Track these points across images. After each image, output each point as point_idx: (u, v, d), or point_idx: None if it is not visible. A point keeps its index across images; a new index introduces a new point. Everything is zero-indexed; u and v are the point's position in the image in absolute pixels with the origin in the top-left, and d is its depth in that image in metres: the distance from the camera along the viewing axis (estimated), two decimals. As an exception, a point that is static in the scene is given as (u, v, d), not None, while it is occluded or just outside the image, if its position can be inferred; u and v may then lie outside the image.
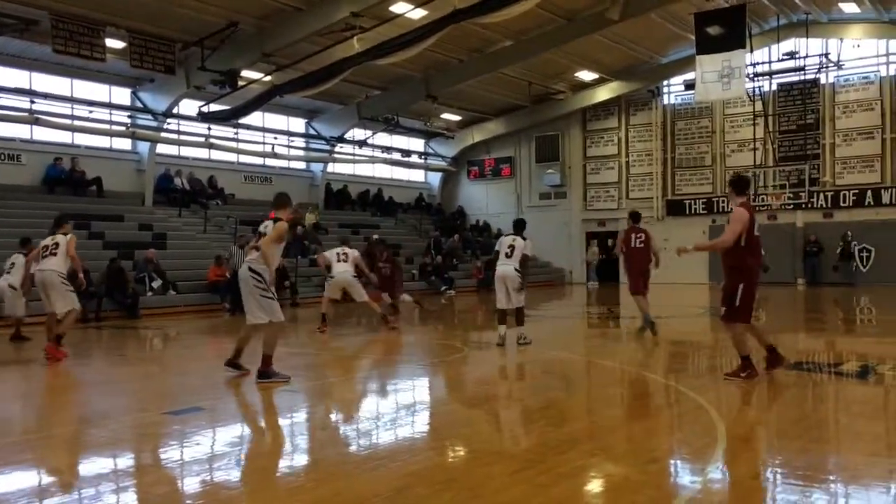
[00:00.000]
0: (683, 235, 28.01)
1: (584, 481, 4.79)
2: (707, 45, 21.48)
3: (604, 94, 28.78)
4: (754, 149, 26.65)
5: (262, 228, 8.40)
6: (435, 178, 33.38)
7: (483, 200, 33.24)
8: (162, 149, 22.94)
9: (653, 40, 25.32)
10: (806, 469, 4.85)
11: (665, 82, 28.90)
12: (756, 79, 25.37)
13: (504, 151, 32.45)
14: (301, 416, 7.07)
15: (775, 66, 25.35)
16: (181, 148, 23.59)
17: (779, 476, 4.84)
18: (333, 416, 7.09)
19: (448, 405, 7.69)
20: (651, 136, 29.35)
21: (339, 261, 13.31)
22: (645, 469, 4.91)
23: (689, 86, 26.39)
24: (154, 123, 22.06)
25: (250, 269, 7.98)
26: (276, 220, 8.16)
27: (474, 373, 9.59)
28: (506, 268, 10.59)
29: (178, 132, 22.89)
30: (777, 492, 4.54)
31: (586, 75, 27.62)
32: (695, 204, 28.52)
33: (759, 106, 26.07)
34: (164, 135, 22.50)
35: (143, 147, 22.27)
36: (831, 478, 4.77)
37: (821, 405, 7.33)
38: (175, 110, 22.23)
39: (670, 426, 6.45)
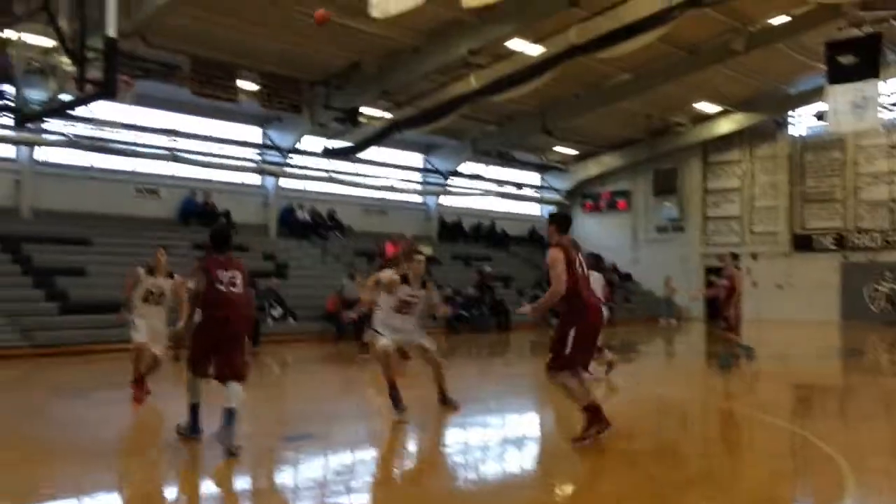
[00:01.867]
0: (811, 272, 26.72)
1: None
2: (839, 75, 20.49)
3: (726, 125, 27.94)
4: (891, 182, 25.16)
5: None
6: (549, 211, 33.26)
7: (598, 233, 32.72)
8: (286, 183, 24.02)
9: (779, 70, 24.42)
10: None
11: (792, 113, 27.77)
12: (893, 109, 24.01)
13: (620, 184, 31.97)
14: (411, 446, 7.18)
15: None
16: (304, 182, 24.63)
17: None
18: (443, 448, 7.16)
19: (558, 444, 7.61)
20: (777, 169, 28.18)
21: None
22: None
23: (820, 116, 25.24)
24: (280, 159, 23.19)
25: None
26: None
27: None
28: None
29: (302, 167, 23.96)
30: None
31: (708, 107, 26.93)
32: (824, 239, 27.08)
33: (895, 137, 24.61)
34: (288, 170, 23.60)
35: (270, 181, 23.42)
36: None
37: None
38: (300, 147, 23.31)
39: (794, 473, 6.14)
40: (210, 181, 22.37)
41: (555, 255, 6.71)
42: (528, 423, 8.57)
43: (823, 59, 20.96)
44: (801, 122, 27.78)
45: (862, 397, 10.46)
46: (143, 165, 20.93)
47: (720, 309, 13.17)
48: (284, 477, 5.83)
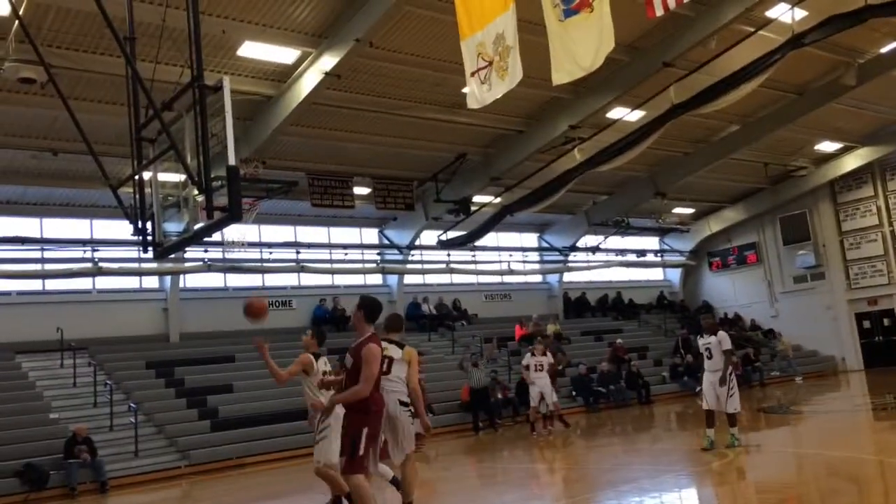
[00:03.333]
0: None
1: None
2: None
3: (852, 162, 26.50)
4: None
5: (388, 354, 7.16)
6: (674, 275, 32.24)
7: (730, 291, 31.34)
8: (408, 279, 24.55)
9: (899, 98, 23.14)
10: None
11: (925, 139, 26.04)
12: None
13: (746, 238, 30.68)
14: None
15: None
16: (425, 276, 25.10)
17: None
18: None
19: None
20: (915, 200, 26.32)
21: (535, 370, 14.58)
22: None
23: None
24: (400, 257, 23.80)
25: (401, 403, 7.20)
26: (401, 344, 7.42)
27: (752, 478, 8.81)
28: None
29: (422, 262, 24.48)
30: None
31: (828, 146, 25.70)
32: (984, 268, 24.77)
33: None
34: (409, 266, 24.15)
35: (392, 279, 24.02)
36: None
37: None
38: (417, 242, 23.88)
39: None
40: (336, 286, 23.17)
41: (374, 352, 6.20)
42: (687, 501, 8.07)
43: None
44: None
45: None
46: (274, 280, 21.99)
47: None
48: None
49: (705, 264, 31.85)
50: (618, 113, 18.91)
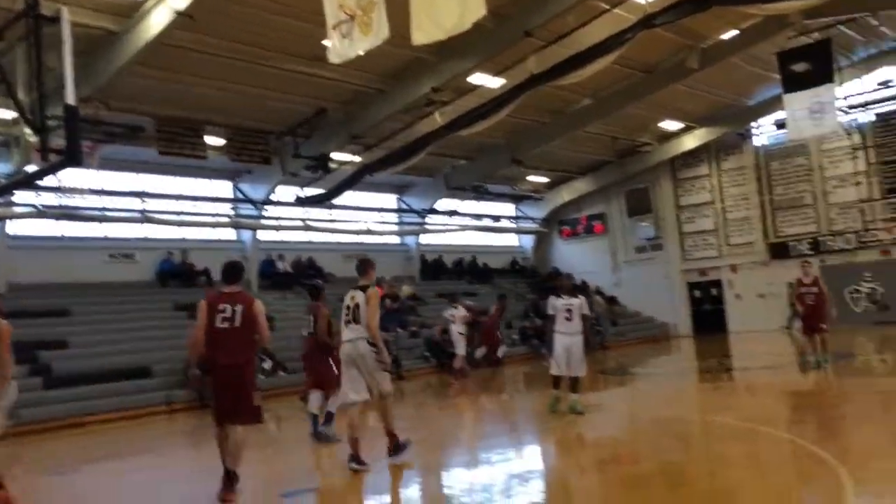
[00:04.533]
0: (790, 278, 26.86)
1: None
2: (794, 83, 20.92)
3: (691, 141, 28.29)
4: (857, 183, 25.52)
5: (348, 301, 7.83)
6: (527, 241, 33.35)
7: (578, 259, 32.81)
8: (263, 235, 23.89)
9: (736, 83, 24.85)
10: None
11: (754, 124, 28.18)
12: (850, 111, 24.49)
13: (595, 208, 32.16)
14: (415, 491, 7.03)
15: (870, 97, 24.47)
16: (281, 233, 24.53)
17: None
18: (447, 490, 7.01)
19: (561, 471, 7.49)
20: (745, 180, 28.49)
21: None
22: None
23: (781, 125, 25.68)
24: (254, 212, 23.09)
25: (369, 343, 7.55)
26: (363, 287, 7.77)
27: (586, 436, 9.33)
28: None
29: (277, 218, 23.87)
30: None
31: (671, 125, 27.29)
32: (799, 244, 27.27)
33: (857, 139, 25.07)
34: (264, 222, 23.49)
35: (246, 235, 23.29)
36: None
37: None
38: (273, 198, 23.24)
39: (794, 484, 6.06)
40: (185, 240, 22.17)
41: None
42: (528, 457, 8.43)
43: (777, 69, 21.42)
44: (764, 132, 28.21)
45: (856, 401, 10.45)
46: (116, 230, 20.74)
47: (813, 318, 13.33)
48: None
49: (556, 232, 33.15)
50: (479, 79, 19.10)
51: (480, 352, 20.73)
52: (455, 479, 7.39)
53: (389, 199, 27.97)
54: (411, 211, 27.82)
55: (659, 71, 22.22)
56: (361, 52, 9.55)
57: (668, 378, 16.22)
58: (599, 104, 23.44)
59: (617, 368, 17.39)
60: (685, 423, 9.65)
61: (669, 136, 28.31)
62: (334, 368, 9.24)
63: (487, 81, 19.13)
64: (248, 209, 23.02)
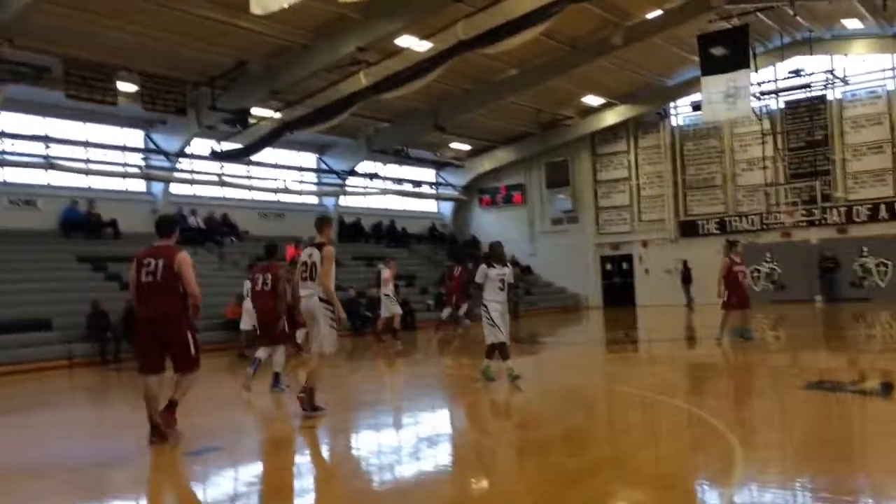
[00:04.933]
0: (697, 257, 28.05)
1: (604, 510, 4.75)
2: (712, 67, 21.58)
3: (611, 118, 28.89)
4: (764, 167, 26.64)
5: (305, 258, 8.04)
6: (447, 208, 33.51)
7: (495, 228, 33.17)
8: (176, 188, 23.19)
9: (658, 63, 25.44)
10: (829, 490, 4.78)
11: (672, 104, 28.97)
12: (763, 97, 25.45)
13: (515, 178, 32.55)
14: (323, 451, 7.05)
15: (781, 85, 25.51)
16: (195, 187, 23.85)
17: (801, 497, 4.77)
18: (354, 452, 7.06)
19: (465, 436, 7.65)
20: (661, 158, 29.36)
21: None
22: (663, 496, 4.86)
23: (697, 107, 26.48)
24: (167, 164, 22.34)
25: (321, 300, 7.82)
26: (320, 245, 7.97)
27: (492, 403, 9.55)
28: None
29: (191, 171, 23.18)
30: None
31: (593, 100, 27.76)
32: (707, 224, 28.39)
33: (766, 124, 26.11)
34: (177, 175, 22.78)
35: (158, 188, 22.55)
36: (857, 498, 4.69)
37: (842, 424, 7.23)
38: (187, 150, 22.52)
39: (688, 451, 6.39)
40: (92, 189, 21.31)
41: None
42: (437, 421, 8.57)
43: (697, 51, 22.02)
44: (681, 112, 29.05)
45: (749, 375, 11.02)
46: (17, 175, 19.74)
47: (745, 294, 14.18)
48: (193, 492, 5.60)
49: (476, 200, 33.41)
50: (406, 41, 18.93)
51: (446, 312, 21.49)
52: (363, 441, 7.45)
53: (309, 159, 27.56)
54: (331, 172, 27.50)
55: (584, 46, 22.51)
56: (286, 6, 9.30)
57: (577, 348, 16.69)
58: (525, 75, 23.60)
59: (528, 337, 17.77)
60: (590, 392, 9.98)
61: (591, 112, 28.82)
62: (286, 326, 10.00)
63: (415, 44, 18.97)
64: (160, 161, 22.27)
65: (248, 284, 13.07)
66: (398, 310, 18.04)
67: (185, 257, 6.87)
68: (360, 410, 9.28)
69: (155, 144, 22.23)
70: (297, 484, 5.88)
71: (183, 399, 7.01)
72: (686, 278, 27.24)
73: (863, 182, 25.83)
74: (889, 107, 25.36)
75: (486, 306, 9.87)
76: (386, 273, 17.79)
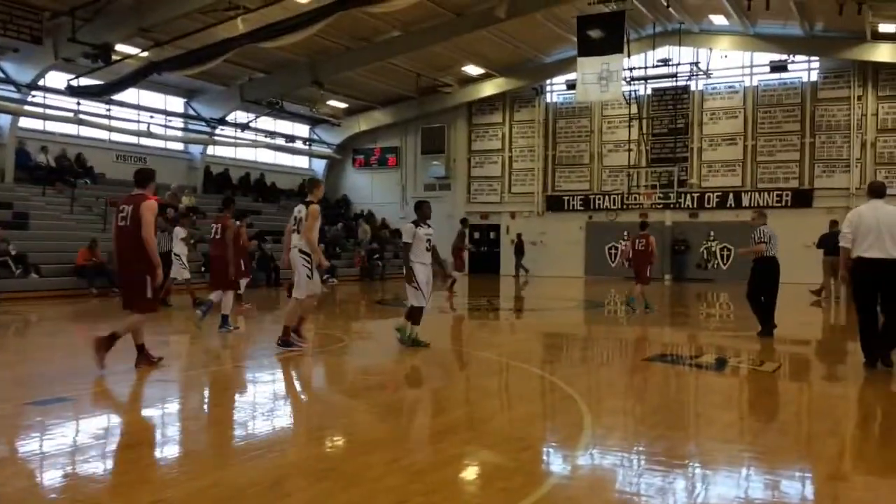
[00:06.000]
0: (561, 231, 29.19)
1: (459, 469, 4.96)
2: (588, 48, 22.29)
3: (489, 89, 29.33)
4: (629, 149, 27.94)
5: (297, 213, 9.41)
6: (319, 166, 33.03)
7: (368, 190, 33.21)
8: (26, 122, 21.58)
9: (538, 40, 26.00)
10: (663, 455, 5.21)
11: (548, 81, 29.74)
12: (632, 83, 26.59)
13: (390, 141, 32.50)
14: (174, 406, 6.91)
15: (650, 72, 26.73)
16: (47, 123, 22.27)
17: (638, 461, 5.17)
18: (208, 407, 6.97)
19: (327, 395, 7.71)
20: (534, 133, 30.17)
21: None
22: (517, 457, 5.13)
23: (571, 86, 27.39)
24: (16, 95, 20.70)
25: (301, 252, 9.28)
26: (308, 203, 9.31)
27: (355, 363, 9.63)
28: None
29: (44, 106, 21.60)
30: (635, 476, 4.86)
31: (473, 70, 28.04)
32: (573, 200, 29.53)
33: (634, 109, 27.33)
34: (27, 108, 21.17)
35: (4, 120, 20.88)
36: (687, 462, 5.14)
37: (679, 394, 7.84)
38: (41, 83, 20.93)
39: (542, 415, 6.75)
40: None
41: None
42: (296, 379, 8.57)
43: (576, 31, 22.68)
44: (556, 90, 29.90)
45: (601, 345, 11.68)
46: None
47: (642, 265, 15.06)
48: (32, 444, 5.36)
49: (350, 160, 33.15)
50: (289, -10, 18.36)
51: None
52: (219, 396, 7.36)
53: (176, 103, 26.36)
54: (200, 119, 26.43)
55: (468, 14, 22.66)
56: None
57: (440, 313, 17.04)
58: (407, 38, 23.51)
59: (394, 300, 17.96)
60: (450, 356, 10.26)
61: (470, 81, 29.12)
62: (232, 273, 11.57)
63: (297, -6, 18.44)
64: (8, 91, 20.60)
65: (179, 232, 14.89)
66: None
67: (150, 205, 7.72)
68: (220, 366, 9.13)
69: (4, 73, 20.51)
70: (135, 440, 5.75)
71: (124, 335, 7.85)
72: (519, 250, 28.55)
73: (715, 171, 27.63)
74: (744, 101, 27.17)
75: (411, 268, 9.65)
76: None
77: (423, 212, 10.08)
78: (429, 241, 9.82)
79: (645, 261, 15.06)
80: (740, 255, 14.96)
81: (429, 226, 9.95)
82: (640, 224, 15.87)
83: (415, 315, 9.84)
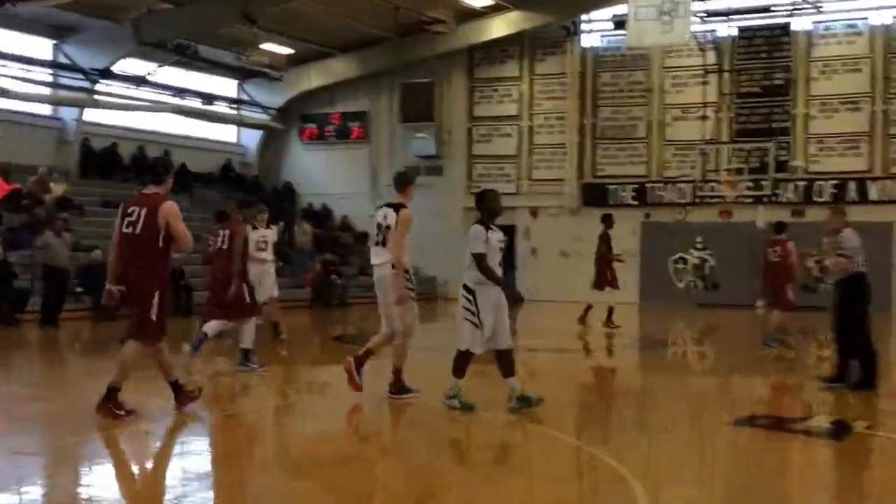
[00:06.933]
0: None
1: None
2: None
3: (500, 27, 29.29)
4: (703, 117, 27.82)
5: (381, 220, 10.06)
6: (252, 138, 33.00)
7: (322, 173, 33.03)
8: None
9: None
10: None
11: (585, 17, 29.68)
12: (709, 19, 26.56)
13: (355, 104, 32.46)
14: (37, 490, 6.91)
15: (734, 4, 26.67)
16: None
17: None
18: (84, 492, 6.97)
19: (259, 475, 7.72)
20: (565, 93, 30.07)
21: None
22: None
23: (619, 23, 27.29)
24: None
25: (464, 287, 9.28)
26: (398, 206, 9.88)
27: (304, 428, 9.63)
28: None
29: None
30: None
31: (477, 0, 28.06)
32: (622, 191, 29.32)
33: (711, 58, 27.29)
34: None
35: None
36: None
37: (778, 478, 7.81)
38: None
39: (579, 501, 6.74)
40: None
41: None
42: (221, 449, 8.57)
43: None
44: (597, 30, 29.78)
45: (662, 402, 11.66)
46: None
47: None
48: None
49: (296, 131, 33.08)
50: None
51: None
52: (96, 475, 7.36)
53: (42, 46, 26.33)
54: (75, 69, 26.36)
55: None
56: None
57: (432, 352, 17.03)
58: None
59: (359, 336, 17.91)
60: (447, 416, 10.25)
61: (472, 15, 29.12)
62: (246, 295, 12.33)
63: None
64: None
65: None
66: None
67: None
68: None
69: None
70: None
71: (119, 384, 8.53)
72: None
73: (829, 149, 27.56)
74: (871, 47, 27.10)
75: (472, 290, 9.16)
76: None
77: (490, 207, 9.57)
78: (501, 249, 9.36)
79: (783, 276, 15.25)
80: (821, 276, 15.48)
81: (499, 228, 9.50)
82: (774, 226, 16.26)
83: (503, 363, 9.36)
